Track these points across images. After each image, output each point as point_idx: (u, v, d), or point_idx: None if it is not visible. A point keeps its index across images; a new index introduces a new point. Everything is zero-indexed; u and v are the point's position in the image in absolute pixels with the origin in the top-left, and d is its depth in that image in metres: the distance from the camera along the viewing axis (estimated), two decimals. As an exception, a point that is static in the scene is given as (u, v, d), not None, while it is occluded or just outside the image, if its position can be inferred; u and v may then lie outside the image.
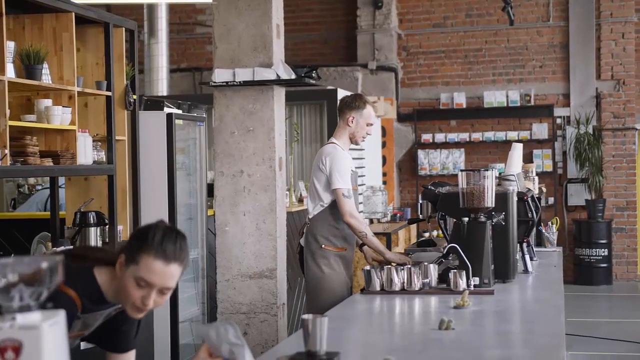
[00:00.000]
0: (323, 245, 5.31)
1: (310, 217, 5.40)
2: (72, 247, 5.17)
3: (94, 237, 5.51)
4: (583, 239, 12.42)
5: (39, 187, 8.30)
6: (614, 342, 8.63)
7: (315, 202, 5.33)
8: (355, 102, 5.34)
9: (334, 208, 5.24)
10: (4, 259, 1.85)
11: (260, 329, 5.75)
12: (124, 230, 5.91)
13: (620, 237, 12.71)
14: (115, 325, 2.93)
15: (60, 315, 1.82)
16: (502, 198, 4.66)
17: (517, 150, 5.75)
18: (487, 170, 4.54)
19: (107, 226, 5.69)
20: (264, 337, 5.78)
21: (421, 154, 13.06)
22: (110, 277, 2.76)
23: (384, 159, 12.48)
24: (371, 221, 10.39)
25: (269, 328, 5.78)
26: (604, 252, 12.35)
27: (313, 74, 5.95)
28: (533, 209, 5.18)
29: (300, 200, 8.37)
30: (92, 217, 5.53)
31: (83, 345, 4.75)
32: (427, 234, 11.04)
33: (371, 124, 5.36)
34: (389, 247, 8.92)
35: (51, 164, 5.11)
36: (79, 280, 2.73)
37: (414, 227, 11.11)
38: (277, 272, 5.77)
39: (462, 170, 4.59)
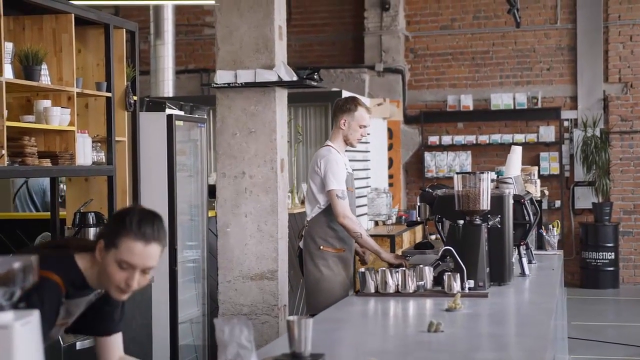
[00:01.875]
0: (321, 247, 5.36)
1: (308, 219, 5.46)
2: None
3: (93, 237, 5.53)
4: (590, 242, 12.38)
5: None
6: (618, 345, 8.60)
7: (313, 205, 5.40)
8: (347, 104, 5.40)
9: (331, 210, 5.28)
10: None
11: (262, 331, 5.75)
12: (123, 231, 5.92)
13: (627, 240, 12.66)
14: (98, 309, 2.99)
15: (34, 315, 1.83)
16: (498, 201, 4.65)
17: (516, 153, 5.75)
18: (483, 173, 4.54)
19: (106, 227, 5.70)
20: (265, 338, 5.78)
21: (428, 156, 13.05)
22: (91, 262, 2.82)
23: (391, 161, 12.48)
24: (376, 223, 10.39)
25: (270, 330, 5.77)
26: (610, 255, 12.31)
27: (315, 76, 5.95)
28: (531, 212, 5.17)
29: (303, 202, 8.37)
30: (91, 218, 5.55)
31: (79, 345, 4.80)
32: (433, 237, 11.02)
33: (364, 126, 5.40)
34: (392, 249, 8.92)
35: (49, 164, 5.13)
36: (61, 267, 2.80)
37: (419, 229, 11.09)
38: (278, 274, 5.77)
39: (457, 173, 4.60)
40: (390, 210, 10.41)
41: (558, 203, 12.67)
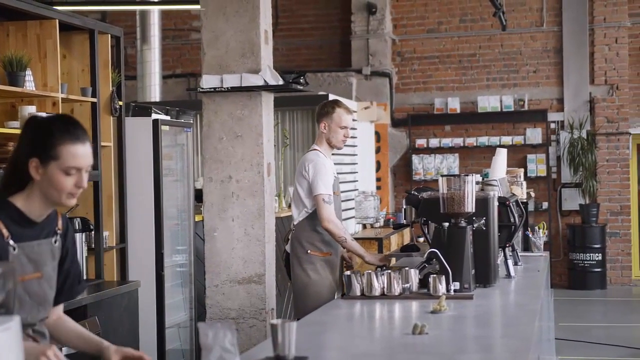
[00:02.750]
0: (309, 251, 5.38)
1: (295, 223, 5.47)
2: None
3: (79, 243, 5.52)
4: (577, 243, 12.43)
5: None
6: (606, 346, 8.63)
7: (300, 209, 5.42)
8: (325, 108, 5.47)
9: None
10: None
11: (250, 334, 5.76)
12: (109, 236, 5.93)
13: (614, 241, 12.72)
14: (62, 284, 2.99)
15: (14, 321, 1.83)
16: (482, 203, 4.66)
17: (501, 155, 5.77)
18: (468, 175, 4.55)
19: (92, 232, 5.70)
20: (252, 342, 5.78)
21: (415, 159, 13.07)
22: (25, 196, 2.81)
23: (379, 164, 12.50)
24: (364, 226, 10.40)
25: (257, 333, 5.78)
26: (598, 256, 12.36)
27: (301, 80, 5.96)
28: (516, 213, 5.18)
29: (290, 206, 8.38)
30: (77, 223, 5.55)
31: (65, 350, 4.78)
32: (421, 239, 11.03)
33: (345, 127, 5.43)
34: (380, 252, 8.94)
35: (35, 170, 5.12)
36: None
37: (407, 232, 11.11)
38: (265, 278, 5.78)
39: (442, 176, 4.61)
40: (378, 213, 10.42)
41: (545, 205, 12.71)
